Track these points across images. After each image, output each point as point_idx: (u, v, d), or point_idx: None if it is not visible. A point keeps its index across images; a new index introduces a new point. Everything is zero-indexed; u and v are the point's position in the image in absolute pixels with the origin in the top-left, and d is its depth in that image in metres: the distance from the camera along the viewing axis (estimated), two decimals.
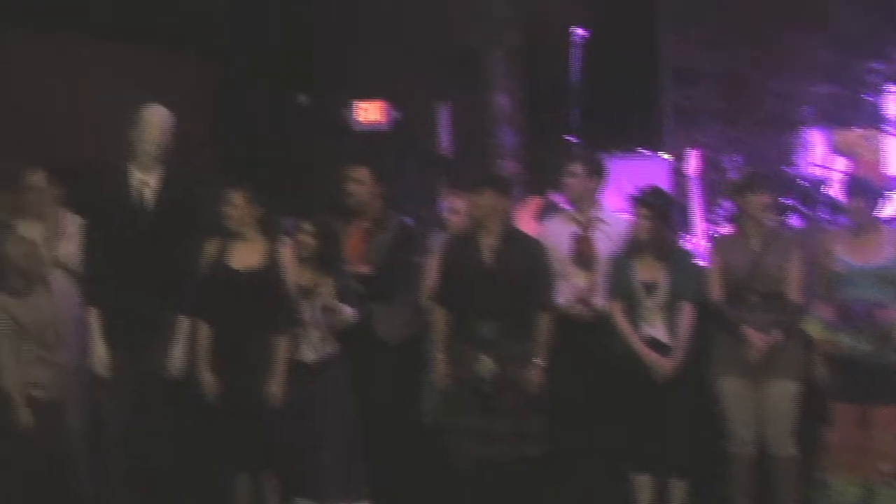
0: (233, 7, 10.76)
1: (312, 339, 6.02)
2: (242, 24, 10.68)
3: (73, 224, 6.48)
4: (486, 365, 5.73)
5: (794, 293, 5.88)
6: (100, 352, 5.78)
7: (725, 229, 7.70)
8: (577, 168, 6.42)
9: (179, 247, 5.80)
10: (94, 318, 5.79)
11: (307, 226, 6.13)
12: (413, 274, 6.55)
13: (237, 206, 5.88)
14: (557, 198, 9.09)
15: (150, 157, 5.81)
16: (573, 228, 6.38)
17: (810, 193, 9.02)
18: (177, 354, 5.80)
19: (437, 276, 6.11)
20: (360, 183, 6.55)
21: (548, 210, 8.81)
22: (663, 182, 8.85)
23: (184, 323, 5.80)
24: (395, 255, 6.51)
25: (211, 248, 5.87)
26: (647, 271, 6.00)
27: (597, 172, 6.46)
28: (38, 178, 6.44)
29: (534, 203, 9.16)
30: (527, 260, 5.92)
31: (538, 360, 5.83)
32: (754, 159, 10.18)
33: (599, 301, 6.18)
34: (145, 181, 5.83)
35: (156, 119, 5.82)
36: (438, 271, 6.09)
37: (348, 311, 6.08)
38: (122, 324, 5.76)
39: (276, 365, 5.79)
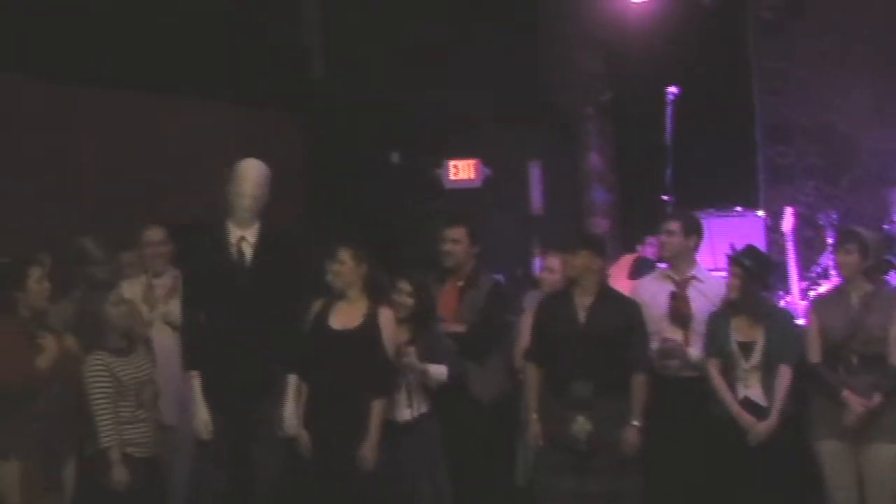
0: (330, 68, 11.00)
1: (405, 398, 6.03)
2: (338, 84, 10.89)
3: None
4: (581, 425, 5.72)
5: (895, 355, 5.77)
6: (202, 415, 5.70)
7: (823, 288, 7.60)
8: (674, 226, 6.43)
9: (280, 304, 5.69)
10: (195, 381, 5.71)
11: (405, 285, 6.17)
12: (507, 332, 6.57)
13: (345, 263, 5.92)
14: (650, 253, 9.17)
15: (247, 211, 5.73)
16: (669, 287, 6.36)
17: None
18: (290, 413, 5.74)
19: (531, 334, 6.13)
20: (457, 242, 6.59)
21: (641, 267, 8.84)
22: (759, 240, 8.79)
23: (293, 381, 5.76)
24: (488, 313, 6.53)
25: (315, 306, 5.92)
26: (743, 331, 5.97)
27: (693, 231, 6.46)
28: (155, 234, 6.61)
29: (627, 260, 9.17)
30: (621, 319, 5.92)
31: (634, 421, 5.79)
32: (851, 217, 10.06)
33: (694, 353, 6.13)
34: (244, 237, 5.74)
35: (252, 173, 5.74)
36: (532, 330, 6.11)
37: (439, 371, 6.09)
38: (224, 385, 5.65)
39: (372, 428, 5.74)
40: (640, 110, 9.95)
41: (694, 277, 6.39)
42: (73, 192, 8.72)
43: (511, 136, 10.66)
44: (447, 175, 11.25)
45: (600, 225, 10.79)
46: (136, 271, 6.61)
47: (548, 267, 6.55)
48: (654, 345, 6.15)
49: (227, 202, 5.76)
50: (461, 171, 11.29)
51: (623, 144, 11.01)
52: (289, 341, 5.75)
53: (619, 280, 8.19)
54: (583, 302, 5.93)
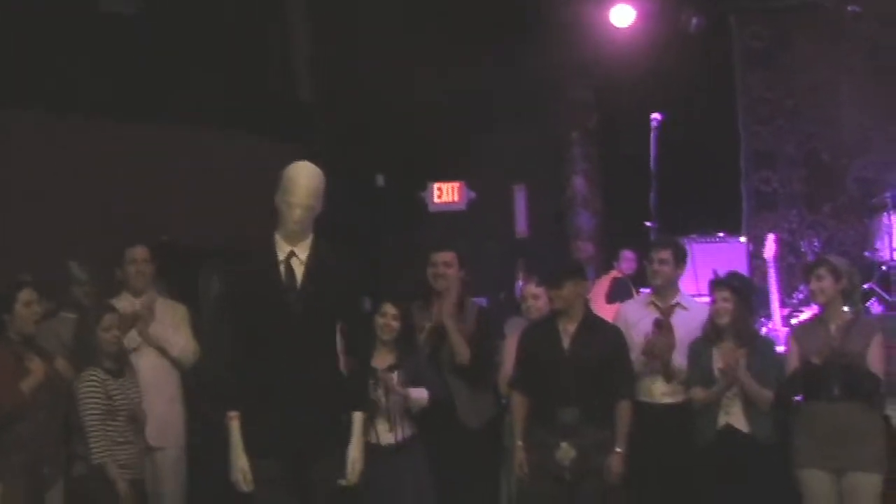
0: (316, 93, 11.05)
1: (387, 421, 6.09)
2: (326, 108, 10.97)
3: (174, 312, 6.66)
4: (565, 452, 5.74)
5: (874, 375, 5.83)
6: (240, 463, 4.77)
7: (805, 315, 7.69)
8: (665, 255, 6.48)
9: (339, 330, 4.98)
10: (233, 423, 4.80)
11: (389, 308, 6.24)
12: (492, 358, 6.62)
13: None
14: (626, 268, 9.26)
15: (298, 223, 4.87)
16: (653, 314, 6.42)
17: (891, 279, 8.98)
18: (355, 459, 4.92)
19: (515, 362, 6.17)
20: (449, 266, 6.62)
21: (619, 290, 8.92)
22: (741, 266, 8.90)
23: (358, 421, 4.94)
24: (474, 338, 6.56)
25: None
26: (726, 358, 6.01)
27: (682, 259, 6.55)
28: (139, 252, 6.57)
29: (604, 282, 9.26)
30: (606, 346, 5.96)
31: (618, 448, 5.81)
32: (834, 244, 10.17)
33: (678, 360, 6.21)
34: (294, 252, 4.91)
35: (304, 178, 4.87)
36: (517, 357, 6.15)
37: (420, 395, 6.16)
38: (273, 428, 4.77)
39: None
40: (625, 136, 10.08)
41: (678, 304, 6.46)
42: (70, 216, 8.75)
43: (497, 161, 10.71)
44: (431, 198, 11.28)
45: (584, 249, 10.86)
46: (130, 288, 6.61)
47: (531, 293, 6.59)
48: (638, 349, 6.22)
49: (275, 212, 4.95)
50: (445, 193, 11.31)
51: (608, 169, 11.11)
52: (352, 375, 5.01)
53: (598, 302, 8.29)
54: (567, 329, 5.97)
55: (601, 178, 11.22)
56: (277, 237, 4.93)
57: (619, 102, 10.43)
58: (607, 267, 9.77)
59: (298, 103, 11.12)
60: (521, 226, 11.08)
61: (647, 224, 8.62)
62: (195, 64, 9.71)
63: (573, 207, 11.16)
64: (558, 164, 11.39)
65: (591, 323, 6.03)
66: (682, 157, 9.40)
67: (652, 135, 8.74)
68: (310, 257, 4.91)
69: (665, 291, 6.48)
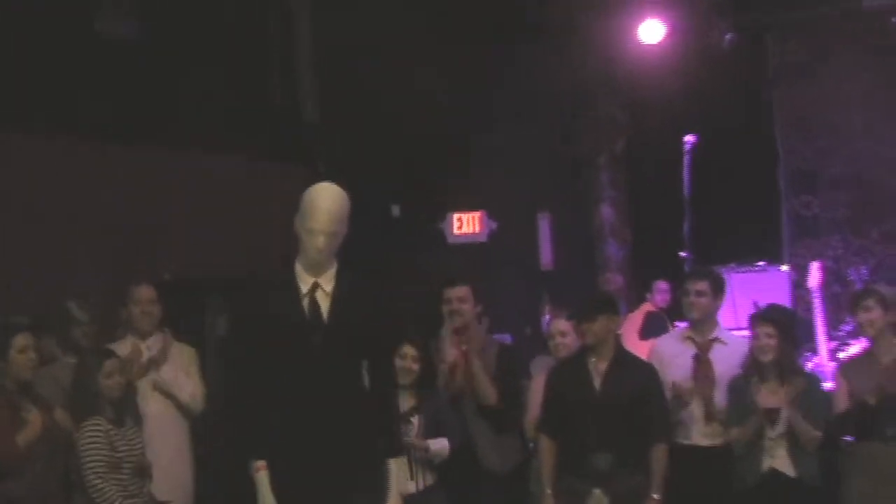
0: (325, 115, 11.10)
1: (408, 470, 6.07)
2: (334, 132, 11.03)
3: (182, 355, 6.67)
4: (598, 500, 5.71)
5: None
6: None
7: (854, 349, 7.65)
8: (703, 286, 6.46)
9: (370, 370, 4.81)
10: (261, 474, 4.63)
11: (410, 350, 6.27)
12: (517, 398, 6.61)
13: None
14: (659, 301, 9.24)
15: (321, 252, 4.68)
16: (690, 350, 6.41)
17: None
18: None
19: (543, 404, 6.15)
20: (464, 301, 6.60)
21: (653, 324, 8.91)
22: (783, 297, 8.87)
23: (394, 470, 4.82)
24: (497, 379, 6.54)
25: None
26: (769, 397, 5.98)
27: (721, 290, 6.52)
28: (145, 292, 6.57)
29: (637, 317, 9.25)
30: (639, 386, 5.93)
31: (654, 494, 5.79)
32: (883, 270, 10.12)
33: (716, 400, 6.20)
34: (318, 284, 4.73)
35: (326, 202, 4.67)
36: (545, 399, 6.13)
37: (441, 446, 6.19)
38: (301, 478, 4.62)
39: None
40: (655, 160, 10.10)
41: (717, 339, 6.44)
42: (66, 243, 8.80)
43: (519, 188, 10.72)
44: (450, 229, 11.30)
45: (614, 281, 10.89)
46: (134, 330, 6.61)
47: (558, 330, 6.60)
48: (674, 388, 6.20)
49: (297, 240, 4.77)
50: (465, 224, 11.34)
51: (638, 196, 11.16)
52: (384, 418, 4.83)
53: (630, 339, 8.29)
54: (598, 367, 5.94)
55: (630, 205, 11.26)
56: (299, 268, 4.75)
57: (648, 124, 10.45)
58: (639, 300, 9.76)
59: (303, 124, 11.17)
60: (545, 257, 11.13)
61: (682, 254, 8.61)
62: (193, 82, 9.78)
63: (601, 237, 11.20)
64: (585, 191, 11.43)
65: (624, 360, 6.01)
66: (716, 182, 9.44)
67: (685, 158, 8.74)
68: (336, 289, 4.73)
69: (702, 325, 6.46)
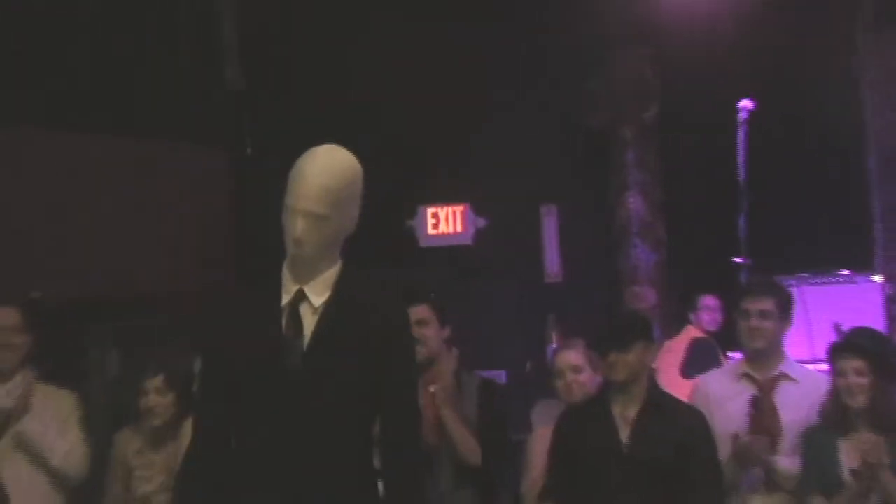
0: (255, 86, 11.10)
1: None
2: (267, 105, 11.13)
3: (58, 403, 6.62)
4: None
5: None
6: None
7: None
8: (769, 305, 6.44)
9: (362, 412, 4.55)
10: None
11: None
12: (507, 455, 6.61)
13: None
14: (705, 321, 9.21)
15: (302, 244, 4.49)
16: (748, 389, 6.39)
17: None
18: None
19: (549, 462, 6.13)
20: (425, 324, 6.56)
21: (701, 355, 8.88)
22: (875, 318, 8.83)
23: None
24: (480, 427, 6.53)
25: None
26: (860, 452, 5.94)
27: (789, 310, 6.51)
28: (6, 317, 6.53)
29: (679, 345, 9.23)
30: (680, 436, 5.90)
31: None
32: None
33: (785, 463, 6.17)
34: (304, 294, 4.57)
35: (316, 168, 4.52)
36: (552, 456, 6.12)
37: None
38: None
39: None
40: (699, 132, 10.10)
41: (784, 375, 6.43)
42: None
43: (515, 172, 10.70)
44: (423, 228, 11.28)
45: (643, 297, 10.92)
46: None
47: (569, 365, 6.51)
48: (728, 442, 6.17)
49: (284, 232, 4.60)
50: (443, 221, 11.33)
51: (675, 181, 11.17)
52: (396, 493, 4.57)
53: (668, 374, 8.28)
54: (625, 414, 5.95)
55: (665, 194, 11.24)
56: (285, 271, 4.60)
57: (689, 84, 10.48)
58: (679, 322, 9.74)
59: (224, 92, 11.19)
60: (551, 265, 11.13)
61: (736, 259, 8.56)
62: (113, 65, 9.92)
63: (626, 237, 11.21)
64: (604, 176, 11.42)
65: (661, 404, 6.00)
66: (782, 163, 9.42)
67: (740, 131, 8.68)
68: (329, 303, 4.53)
69: (765, 357, 6.44)
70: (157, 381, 6.49)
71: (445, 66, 10.57)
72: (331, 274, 4.56)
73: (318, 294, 4.53)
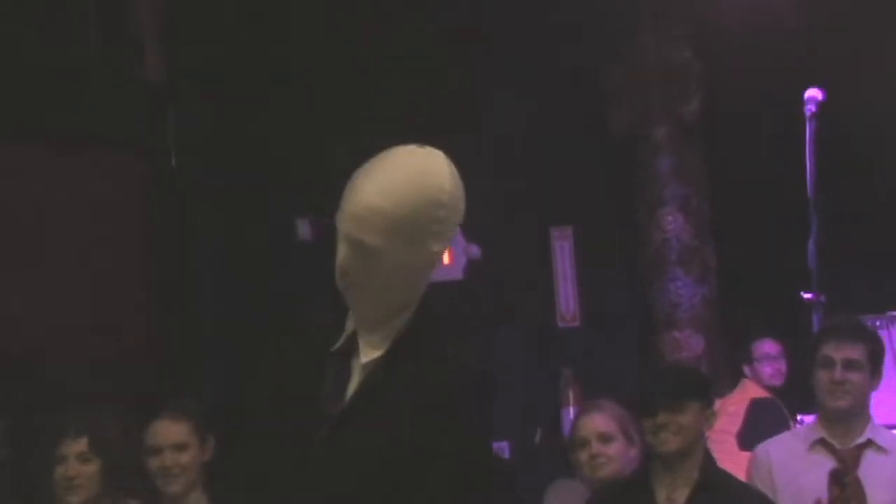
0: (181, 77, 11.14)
1: None
2: (197, 102, 11.13)
3: None
4: None
5: None
6: None
7: None
8: (858, 353, 6.45)
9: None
10: None
11: None
12: None
13: None
14: (767, 374, 9.24)
15: (344, 276, 4.30)
16: (827, 461, 6.42)
17: None
18: None
19: None
20: None
21: (764, 418, 8.90)
22: None
23: None
24: None
25: None
26: None
27: (880, 361, 6.53)
28: None
29: (737, 406, 9.25)
30: None
31: None
32: None
33: None
34: (356, 341, 4.40)
35: (375, 183, 4.30)
36: None
37: None
38: None
39: None
40: (754, 132, 10.18)
41: (871, 443, 6.46)
42: None
43: (518, 186, 10.71)
44: None
45: (689, 344, 10.89)
46: None
47: (595, 432, 6.46)
48: None
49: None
50: None
51: (724, 194, 11.22)
52: None
53: (723, 444, 8.37)
54: (673, 497, 5.97)
55: (712, 211, 11.31)
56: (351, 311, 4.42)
57: (741, 71, 10.52)
58: (732, 376, 9.76)
59: (142, 84, 11.22)
60: (566, 304, 11.14)
61: (805, 295, 8.56)
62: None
63: (663, 267, 11.20)
64: (632, 190, 11.50)
65: (717, 485, 6.01)
66: (862, 169, 9.47)
67: (807, 129, 8.68)
68: (383, 360, 4.33)
69: (848, 420, 6.47)
70: (78, 445, 6.49)
71: (420, 47, 10.60)
72: (397, 323, 4.31)
73: (372, 346, 4.33)
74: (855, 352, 6.43)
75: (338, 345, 4.30)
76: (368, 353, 4.26)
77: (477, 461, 4.36)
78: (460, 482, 4.27)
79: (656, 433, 5.98)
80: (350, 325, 4.31)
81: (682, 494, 5.94)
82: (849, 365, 6.41)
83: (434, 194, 4.18)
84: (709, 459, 6.12)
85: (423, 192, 4.17)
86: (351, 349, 4.29)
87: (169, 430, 6.54)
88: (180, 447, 6.47)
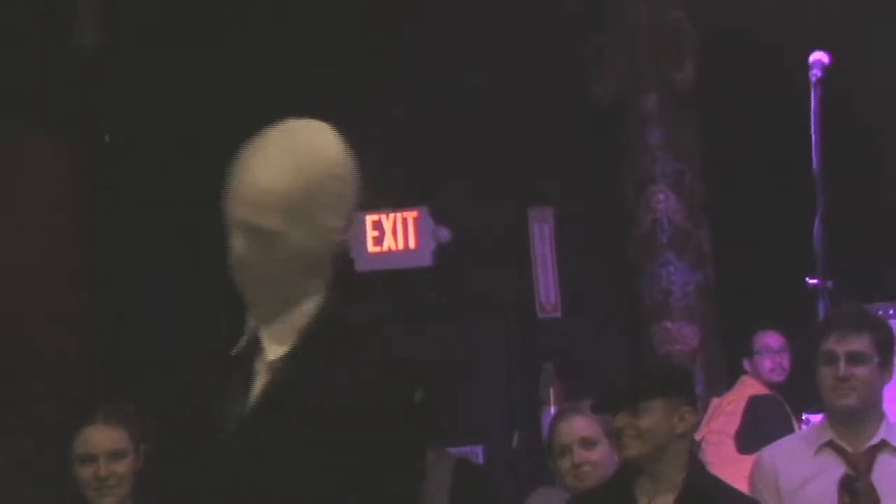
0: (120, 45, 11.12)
1: None
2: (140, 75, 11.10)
3: None
4: None
5: None
6: None
7: None
8: (864, 345, 6.43)
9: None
10: None
11: None
12: None
13: None
14: (767, 368, 9.22)
15: (240, 266, 4.40)
16: (837, 466, 6.39)
17: None
18: None
19: None
20: None
21: (765, 419, 8.87)
22: None
23: None
24: None
25: None
26: None
27: (891, 353, 6.49)
28: None
29: (736, 403, 9.23)
30: None
31: None
32: None
33: None
34: (259, 341, 4.47)
35: (262, 159, 4.37)
36: None
37: None
38: None
39: None
40: (753, 100, 10.15)
41: (885, 445, 6.43)
42: None
43: (492, 163, 10.68)
44: (361, 243, 11.27)
45: (681, 336, 10.91)
46: None
47: (576, 437, 6.52)
48: None
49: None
50: (389, 233, 11.36)
51: (721, 172, 11.24)
52: None
53: (721, 448, 8.41)
54: (655, 503, 5.95)
55: (708, 189, 11.31)
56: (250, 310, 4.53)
57: (738, 35, 10.48)
58: (732, 371, 9.74)
59: (71, 52, 11.18)
60: (546, 293, 11.13)
61: (810, 281, 8.53)
62: None
63: (653, 251, 11.19)
64: (618, 166, 11.49)
65: (704, 493, 6.00)
66: (873, 140, 9.49)
67: (812, 96, 8.66)
68: (289, 357, 4.39)
69: (858, 419, 6.44)
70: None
71: (385, 5, 10.59)
72: (301, 315, 4.41)
73: (277, 342, 4.40)
74: (860, 343, 6.39)
75: (239, 346, 4.39)
76: (274, 351, 4.34)
77: (395, 467, 4.40)
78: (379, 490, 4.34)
79: (619, 437, 6.00)
80: (252, 324, 4.39)
81: (667, 501, 5.93)
82: (853, 358, 6.38)
83: (328, 167, 4.31)
84: (695, 463, 6.15)
85: (316, 165, 4.30)
86: (248, 350, 4.38)
87: (104, 437, 6.55)
88: (117, 455, 6.49)
